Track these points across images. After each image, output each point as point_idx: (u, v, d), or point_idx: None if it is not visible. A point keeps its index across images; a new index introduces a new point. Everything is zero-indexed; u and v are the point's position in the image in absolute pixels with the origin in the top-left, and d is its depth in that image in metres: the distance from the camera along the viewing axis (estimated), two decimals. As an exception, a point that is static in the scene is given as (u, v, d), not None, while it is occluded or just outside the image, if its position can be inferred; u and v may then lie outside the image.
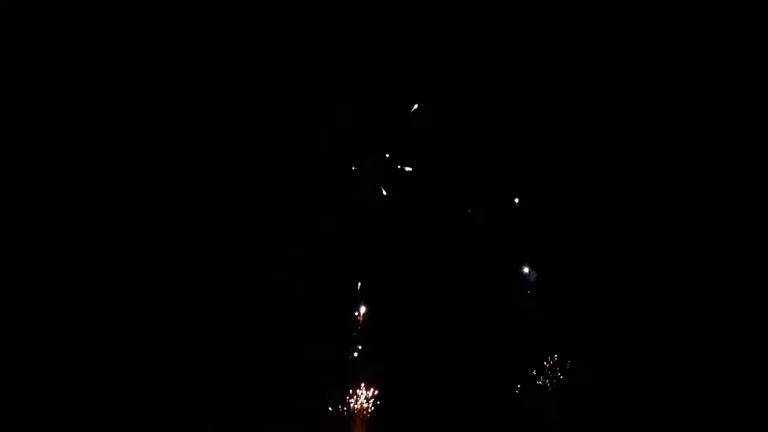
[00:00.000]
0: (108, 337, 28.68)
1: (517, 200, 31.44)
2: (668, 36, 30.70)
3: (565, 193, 31.46)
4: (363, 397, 29.00)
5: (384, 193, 30.42)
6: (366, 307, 30.13)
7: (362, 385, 29.07)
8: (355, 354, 29.86)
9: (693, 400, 28.51)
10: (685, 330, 29.63)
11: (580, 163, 31.49)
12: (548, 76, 31.23)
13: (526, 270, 30.81)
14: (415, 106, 30.44)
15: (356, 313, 30.16)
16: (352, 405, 29.06)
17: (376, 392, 29.10)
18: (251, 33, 30.65)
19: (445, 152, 31.51)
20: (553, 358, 30.07)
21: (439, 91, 30.99)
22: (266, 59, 30.47)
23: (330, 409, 29.13)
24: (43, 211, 29.12)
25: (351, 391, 29.12)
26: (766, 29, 30.00)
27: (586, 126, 31.45)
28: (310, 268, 29.84)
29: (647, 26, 30.85)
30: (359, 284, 30.18)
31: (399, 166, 30.86)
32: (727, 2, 30.28)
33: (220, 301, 29.42)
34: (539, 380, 29.99)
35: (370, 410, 29.00)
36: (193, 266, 29.44)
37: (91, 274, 29.33)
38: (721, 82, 30.36)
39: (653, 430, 28.85)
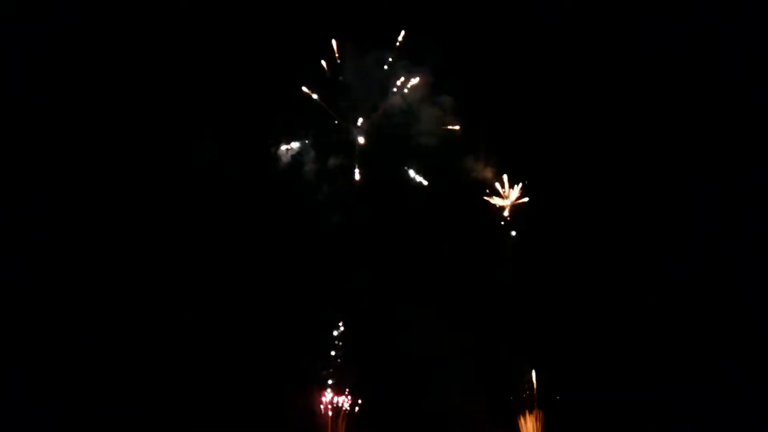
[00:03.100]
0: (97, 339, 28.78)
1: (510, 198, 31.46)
2: (668, 36, 30.70)
3: (562, 193, 31.42)
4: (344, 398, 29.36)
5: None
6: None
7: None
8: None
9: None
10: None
11: (579, 163, 31.44)
12: (547, 76, 31.18)
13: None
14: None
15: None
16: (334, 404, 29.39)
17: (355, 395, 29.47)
18: (252, 32, 30.70)
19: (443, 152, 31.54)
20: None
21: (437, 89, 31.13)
22: (265, 61, 30.58)
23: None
24: (43, 210, 29.28)
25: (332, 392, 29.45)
26: (766, 29, 29.94)
27: (586, 126, 31.39)
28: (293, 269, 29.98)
29: (647, 26, 30.84)
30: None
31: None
32: (727, 2, 30.24)
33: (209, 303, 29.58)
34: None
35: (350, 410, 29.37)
36: (181, 270, 29.56)
37: (90, 274, 29.47)
38: (721, 82, 30.30)
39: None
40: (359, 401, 29.60)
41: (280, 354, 29.23)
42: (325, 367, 29.78)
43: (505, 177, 31.43)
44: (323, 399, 29.50)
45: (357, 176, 30.85)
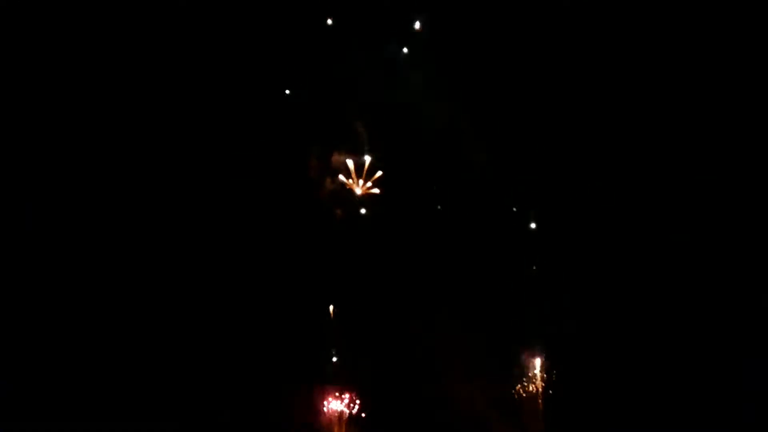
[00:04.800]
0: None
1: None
2: (668, 36, 30.70)
3: (562, 196, 31.40)
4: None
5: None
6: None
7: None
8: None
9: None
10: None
11: (579, 165, 31.41)
12: (546, 77, 31.18)
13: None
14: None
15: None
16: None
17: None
18: (252, 33, 30.79)
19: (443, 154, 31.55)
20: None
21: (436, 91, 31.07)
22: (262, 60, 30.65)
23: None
24: (42, 210, 29.34)
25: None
26: (766, 29, 29.97)
27: (587, 127, 31.37)
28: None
29: (646, 26, 30.86)
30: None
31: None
32: (727, 2, 30.26)
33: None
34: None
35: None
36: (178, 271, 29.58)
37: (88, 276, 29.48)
38: (721, 82, 30.30)
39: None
40: (362, 399, 29.54)
41: (282, 352, 29.17)
42: (329, 363, 29.68)
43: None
44: (326, 396, 29.43)
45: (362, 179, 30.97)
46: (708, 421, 28.08)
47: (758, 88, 29.79)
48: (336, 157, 30.55)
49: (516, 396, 29.85)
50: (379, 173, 30.74)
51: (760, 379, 27.95)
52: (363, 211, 30.92)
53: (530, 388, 29.76)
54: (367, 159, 30.48)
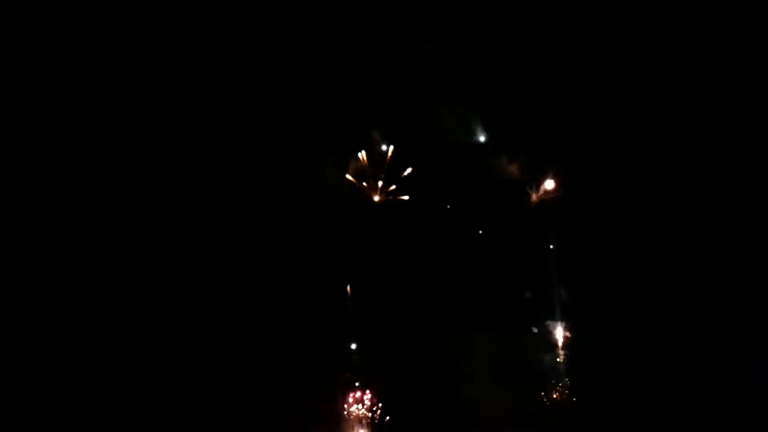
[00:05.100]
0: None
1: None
2: (667, 37, 30.70)
3: (563, 198, 31.40)
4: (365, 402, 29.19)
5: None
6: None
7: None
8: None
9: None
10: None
11: (578, 166, 31.42)
12: (547, 77, 31.16)
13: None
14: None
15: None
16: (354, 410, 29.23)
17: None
18: (249, 33, 30.74)
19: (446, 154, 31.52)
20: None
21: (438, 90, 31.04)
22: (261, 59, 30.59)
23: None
24: (42, 209, 29.31)
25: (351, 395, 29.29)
26: (766, 29, 29.96)
27: (587, 128, 31.36)
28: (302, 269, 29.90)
29: (648, 27, 30.85)
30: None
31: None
32: (726, 2, 30.24)
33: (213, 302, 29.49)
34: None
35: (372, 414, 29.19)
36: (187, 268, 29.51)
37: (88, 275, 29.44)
38: (721, 82, 30.29)
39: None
40: (382, 404, 29.45)
41: (301, 357, 29.09)
42: (348, 369, 29.64)
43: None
44: (346, 402, 29.39)
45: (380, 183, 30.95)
46: (708, 421, 28.00)
47: (758, 89, 29.79)
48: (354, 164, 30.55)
49: (542, 402, 29.78)
50: (409, 170, 30.60)
51: (760, 379, 27.87)
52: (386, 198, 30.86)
53: (554, 395, 29.72)
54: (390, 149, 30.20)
